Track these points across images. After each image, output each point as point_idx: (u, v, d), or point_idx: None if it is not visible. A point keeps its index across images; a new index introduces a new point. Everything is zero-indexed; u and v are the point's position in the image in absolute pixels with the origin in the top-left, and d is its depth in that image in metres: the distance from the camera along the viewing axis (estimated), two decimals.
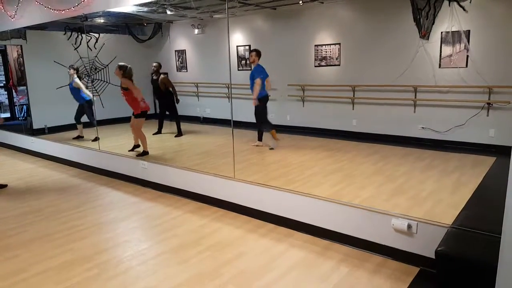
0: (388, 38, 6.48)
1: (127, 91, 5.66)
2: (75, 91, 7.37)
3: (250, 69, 8.51)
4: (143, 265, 3.04)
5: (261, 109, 6.25)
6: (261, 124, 6.35)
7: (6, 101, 10.69)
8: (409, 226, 2.84)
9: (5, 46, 9.79)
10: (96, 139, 6.75)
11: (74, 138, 7.26)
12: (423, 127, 6.36)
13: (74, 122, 7.73)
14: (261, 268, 2.95)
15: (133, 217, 4.08)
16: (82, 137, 7.37)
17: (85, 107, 7.37)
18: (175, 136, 7.58)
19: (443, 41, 5.89)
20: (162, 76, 7.51)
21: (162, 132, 7.79)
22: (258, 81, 6.03)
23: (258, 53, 6.25)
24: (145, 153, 5.66)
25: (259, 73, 6.11)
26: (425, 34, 5.99)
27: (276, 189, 3.73)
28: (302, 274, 2.85)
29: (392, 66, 6.49)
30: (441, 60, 5.95)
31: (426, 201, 3.67)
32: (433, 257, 2.18)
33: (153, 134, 7.59)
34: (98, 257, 3.18)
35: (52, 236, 3.63)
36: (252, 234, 3.54)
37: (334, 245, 3.27)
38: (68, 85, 7.64)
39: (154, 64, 7.58)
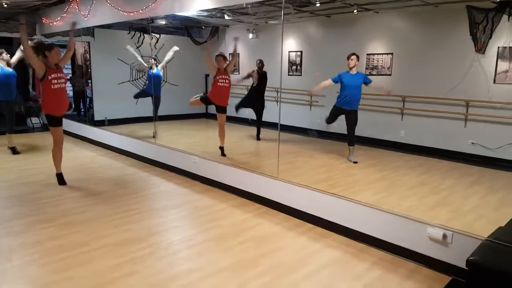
0: (442, 50, 6.40)
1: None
2: None
3: (300, 75, 8.71)
4: (190, 249, 3.34)
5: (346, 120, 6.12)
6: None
7: (71, 93, 11.63)
8: (444, 236, 2.91)
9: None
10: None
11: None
12: (473, 143, 6.21)
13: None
14: (297, 262, 3.14)
15: (182, 206, 4.43)
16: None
17: None
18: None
19: (499, 56, 5.75)
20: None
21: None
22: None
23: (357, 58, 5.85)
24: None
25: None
26: (481, 48, 5.87)
27: (317, 191, 3.90)
28: (335, 272, 3.01)
29: (444, 79, 6.41)
30: (496, 75, 5.81)
31: (467, 215, 3.69)
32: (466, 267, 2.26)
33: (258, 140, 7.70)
34: (151, 238, 3.53)
35: (110, 217, 4.01)
36: (290, 232, 3.74)
37: (369, 248, 3.39)
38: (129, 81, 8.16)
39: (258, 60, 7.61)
